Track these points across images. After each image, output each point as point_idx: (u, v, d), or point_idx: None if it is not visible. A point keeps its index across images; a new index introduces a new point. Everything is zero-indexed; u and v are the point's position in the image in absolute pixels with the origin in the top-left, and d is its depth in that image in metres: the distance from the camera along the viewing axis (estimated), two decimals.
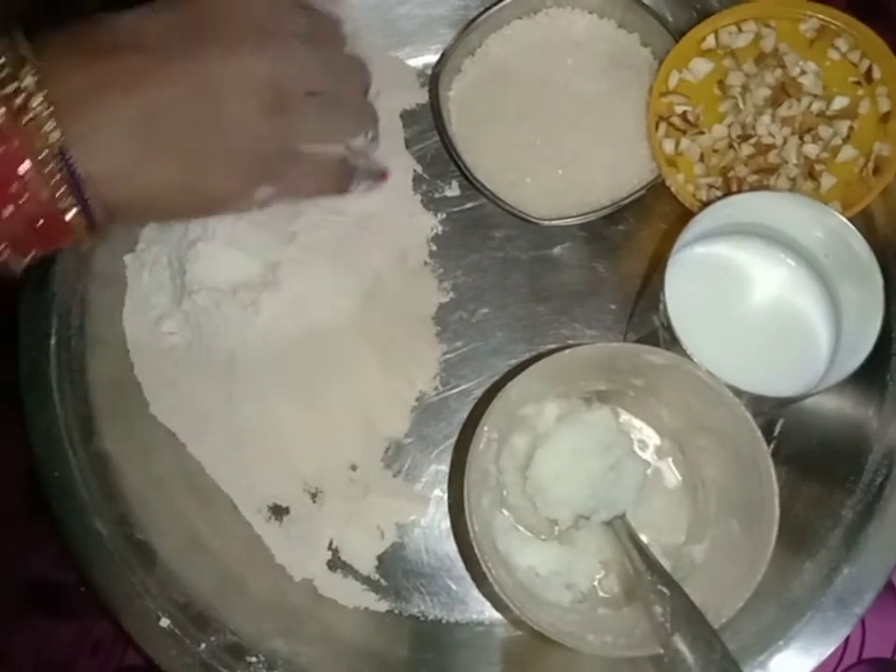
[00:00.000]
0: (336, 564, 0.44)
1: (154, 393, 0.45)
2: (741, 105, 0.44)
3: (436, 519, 0.45)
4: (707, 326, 0.39)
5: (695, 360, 0.37)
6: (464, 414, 0.46)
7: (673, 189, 0.44)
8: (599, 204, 0.46)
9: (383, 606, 0.44)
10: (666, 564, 0.41)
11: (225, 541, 0.44)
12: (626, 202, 0.45)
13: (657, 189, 0.45)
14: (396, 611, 0.44)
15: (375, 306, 0.45)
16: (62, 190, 0.31)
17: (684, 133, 0.44)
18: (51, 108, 0.30)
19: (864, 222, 0.44)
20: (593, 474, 0.41)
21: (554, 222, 0.45)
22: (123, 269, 0.46)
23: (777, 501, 0.35)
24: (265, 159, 0.36)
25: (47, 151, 0.30)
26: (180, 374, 0.45)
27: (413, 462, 0.45)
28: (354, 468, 0.45)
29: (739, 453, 0.37)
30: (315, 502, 0.45)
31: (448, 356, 0.47)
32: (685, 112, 0.44)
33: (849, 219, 0.39)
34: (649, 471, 0.43)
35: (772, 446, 0.44)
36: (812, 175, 0.43)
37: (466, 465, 0.37)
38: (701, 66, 0.45)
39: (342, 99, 0.40)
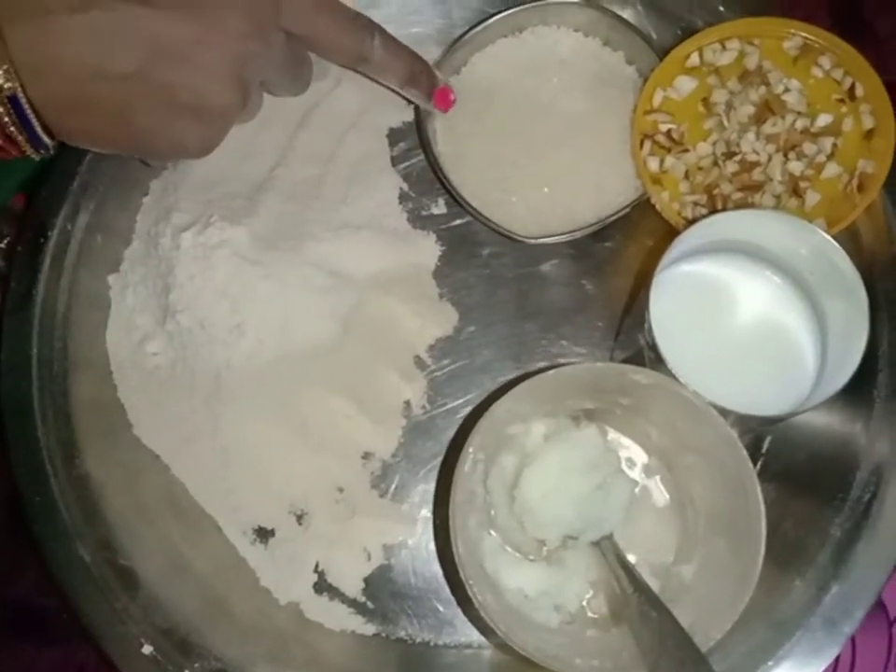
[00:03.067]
0: (322, 586, 0.44)
1: (138, 414, 0.45)
2: (725, 123, 0.44)
3: (423, 540, 0.44)
4: (692, 345, 0.39)
5: (681, 380, 0.36)
6: (451, 433, 0.46)
7: (658, 207, 0.44)
8: (585, 222, 0.45)
9: (370, 629, 0.43)
10: (655, 584, 0.41)
11: (209, 565, 0.43)
12: (612, 219, 0.45)
13: (643, 205, 0.45)
14: (383, 634, 0.43)
15: (360, 326, 0.45)
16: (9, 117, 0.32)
17: (669, 150, 0.44)
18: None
19: (849, 239, 0.44)
20: (580, 494, 0.40)
21: (540, 240, 0.45)
22: (107, 289, 0.46)
23: (763, 523, 0.35)
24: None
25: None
26: (164, 395, 0.44)
27: (400, 482, 0.45)
28: (340, 489, 0.44)
29: (726, 473, 0.37)
30: (300, 524, 0.44)
31: (435, 374, 0.47)
32: (670, 130, 0.44)
33: (834, 236, 0.39)
34: (637, 490, 0.43)
35: (760, 463, 0.44)
36: (797, 191, 0.43)
37: (451, 487, 0.36)
38: (685, 84, 0.45)
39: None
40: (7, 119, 0.32)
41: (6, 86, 0.31)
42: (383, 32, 0.42)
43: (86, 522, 0.42)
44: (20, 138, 0.33)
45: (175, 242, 0.43)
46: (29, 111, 0.32)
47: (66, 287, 0.46)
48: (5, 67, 0.31)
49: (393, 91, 0.46)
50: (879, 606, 0.43)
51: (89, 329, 0.46)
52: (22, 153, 0.35)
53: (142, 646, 0.40)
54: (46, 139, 0.34)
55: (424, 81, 0.44)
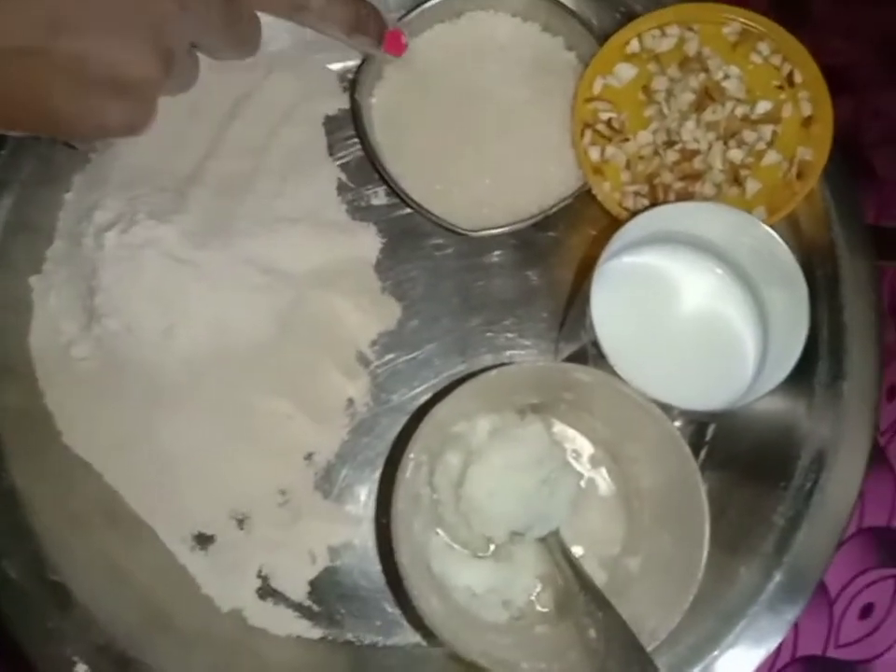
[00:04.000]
0: (266, 592, 0.42)
1: (67, 422, 0.43)
2: (666, 111, 0.43)
3: (369, 540, 0.44)
4: (634, 340, 0.39)
5: (623, 377, 0.36)
6: (396, 430, 0.45)
7: (599, 198, 0.43)
8: (528, 213, 0.45)
9: (316, 633, 0.42)
10: (602, 575, 0.41)
11: (147, 575, 0.42)
12: (554, 210, 0.44)
13: (585, 194, 0.45)
14: (330, 638, 0.42)
15: (297, 323, 0.44)
16: None
17: (610, 140, 0.43)
18: None
19: (789, 226, 0.44)
20: (526, 490, 0.40)
21: (482, 233, 0.44)
22: (29, 291, 0.44)
23: (707, 524, 0.35)
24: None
25: None
26: (94, 401, 0.43)
27: (344, 482, 0.44)
28: (283, 491, 0.43)
29: (670, 469, 0.37)
30: (242, 529, 0.43)
31: (379, 370, 0.46)
32: (610, 119, 0.43)
33: (774, 225, 0.39)
34: (583, 483, 0.43)
35: (704, 451, 0.44)
36: (737, 180, 0.43)
37: (392, 494, 0.36)
38: (625, 71, 0.44)
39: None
40: None
41: None
42: None
43: (13, 537, 0.40)
44: None
45: (98, 242, 0.41)
46: None
47: None
48: None
49: (338, 40, 0.42)
50: (820, 587, 0.44)
51: (11, 334, 0.43)
52: None
53: (75, 665, 0.38)
54: None
55: (371, 25, 0.41)
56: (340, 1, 0.40)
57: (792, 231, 0.44)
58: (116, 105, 0.32)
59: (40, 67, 0.30)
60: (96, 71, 0.31)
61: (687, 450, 0.36)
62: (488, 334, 0.46)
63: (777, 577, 0.41)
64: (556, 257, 0.47)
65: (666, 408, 0.37)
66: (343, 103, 0.48)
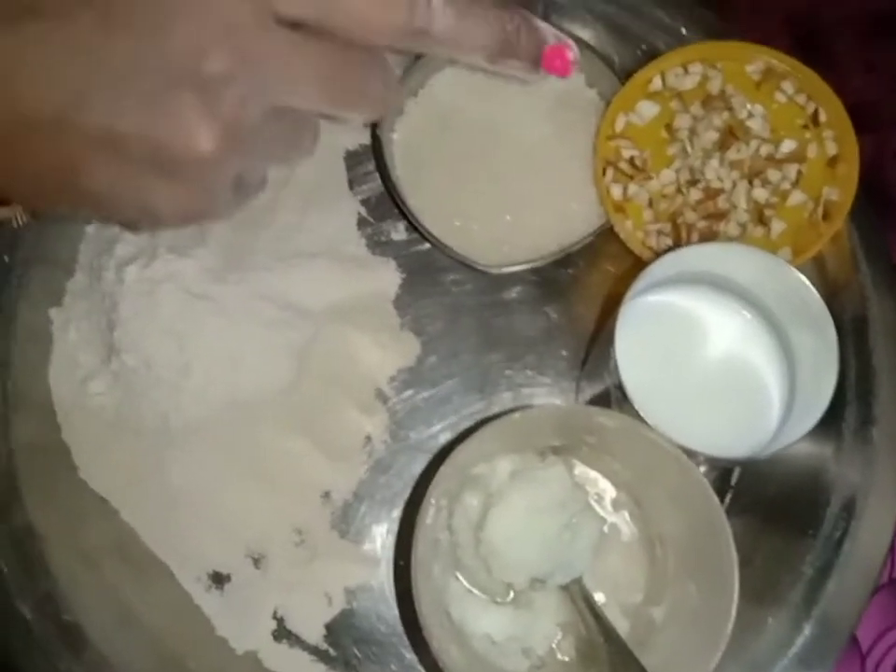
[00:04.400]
0: (282, 634, 0.42)
1: (83, 457, 0.42)
2: (689, 149, 0.43)
3: (387, 582, 0.43)
4: (658, 384, 0.38)
5: (647, 421, 0.35)
6: (415, 468, 0.44)
7: (622, 237, 0.43)
8: (548, 250, 0.44)
9: None
10: (625, 623, 0.40)
11: (161, 615, 0.41)
12: (576, 248, 0.44)
13: (606, 230, 0.44)
14: None
15: (317, 360, 0.43)
16: None
17: (632, 178, 0.43)
18: None
19: (815, 267, 0.43)
20: (548, 535, 0.39)
21: (503, 270, 0.44)
22: (49, 324, 0.44)
23: (736, 573, 0.34)
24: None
25: None
26: (111, 437, 0.42)
27: (361, 522, 0.43)
28: (299, 531, 0.43)
29: (695, 515, 0.36)
30: (258, 568, 0.42)
31: (397, 407, 0.45)
32: (632, 157, 0.43)
33: (800, 266, 0.39)
34: (605, 528, 0.42)
35: (729, 496, 0.43)
36: (762, 220, 0.42)
37: (413, 539, 0.35)
38: (648, 109, 0.44)
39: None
40: None
41: None
42: None
43: (26, 576, 0.40)
44: None
45: (119, 276, 0.41)
46: None
47: (6, 320, 0.44)
48: None
49: (476, 68, 0.34)
50: (852, 639, 0.42)
51: (30, 366, 0.43)
52: None
53: None
54: None
55: (523, 43, 0.31)
56: (476, 15, 0.29)
57: (819, 272, 0.43)
58: (163, 187, 0.27)
59: (72, 143, 0.26)
60: (135, 148, 0.26)
61: (713, 496, 0.35)
62: (507, 371, 0.46)
63: (807, 629, 0.40)
64: (577, 294, 0.47)
65: (691, 454, 0.36)
66: (364, 138, 0.48)
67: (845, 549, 0.41)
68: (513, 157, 0.45)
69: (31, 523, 0.41)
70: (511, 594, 0.40)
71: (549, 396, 0.45)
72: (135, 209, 0.28)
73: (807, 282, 0.37)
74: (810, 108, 0.43)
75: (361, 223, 0.47)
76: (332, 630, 0.42)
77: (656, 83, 0.44)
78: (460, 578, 0.40)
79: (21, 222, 0.31)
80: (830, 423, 0.41)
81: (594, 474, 0.43)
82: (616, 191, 0.43)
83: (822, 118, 0.43)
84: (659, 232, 0.43)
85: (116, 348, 0.41)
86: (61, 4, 0.25)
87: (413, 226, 0.45)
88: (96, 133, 0.25)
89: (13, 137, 0.26)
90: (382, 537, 0.43)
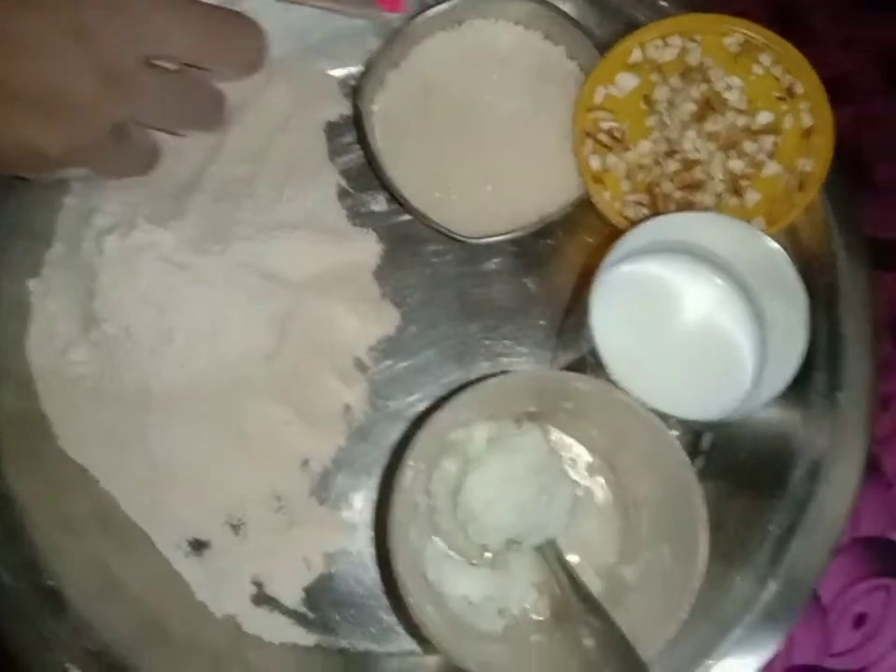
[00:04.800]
0: (261, 598, 0.42)
1: (63, 426, 0.43)
2: (667, 121, 0.43)
3: (365, 547, 0.43)
4: (632, 350, 0.39)
5: (621, 385, 0.36)
6: (393, 437, 0.45)
7: (599, 207, 0.43)
8: (527, 221, 0.45)
9: (310, 640, 0.42)
10: (599, 584, 0.41)
11: (142, 581, 0.42)
12: (554, 218, 0.44)
13: (584, 202, 0.45)
14: (324, 645, 0.42)
15: (297, 329, 0.44)
16: None
17: (610, 149, 0.43)
18: None
19: (789, 237, 0.44)
20: (523, 499, 0.40)
21: (482, 240, 0.44)
22: (27, 294, 0.44)
23: (705, 535, 0.35)
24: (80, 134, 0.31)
25: None
26: (91, 406, 0.42)
27: (340, 489, 0.44)
28: (278, 497, 0.43)
29: (668, 478, 0.37)
30: (237, 535, 0.43)
31: (376, 376, 0.46)
32: (611, 128, 0.43)
33: (774, 235, 0.39)
34: (580, 492, 0.42)
35: (701, 461, 0.44)
36: (737, 190, 0.43)
37: (390, 502, 0.35)
38: (627, 81, 0.44)
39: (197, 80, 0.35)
40: None
41: None
42: None
43: (8, 542, 0.40)
44: None
45: (98, 246, 0.41)
46: None
47: None
48: None
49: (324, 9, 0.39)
50: (814, 596, 0.44)
51: (9, 336, 0.43)
52: None
53: (69, 670, 0.38)
54: None
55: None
56: None
57: (792, 241, 0.44)
58: (46, 124, 0.31)
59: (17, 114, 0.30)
60: (23, 90, 0.30)
61: (685, 459, 0.36)
62: (486, 341, 0.46)
63: (772, 586, 0.41)
64: (554, 264, 0.47)
65: (664, 417, 0.37)
66: (344, 109, 0.48)
67: (810, 510, 0.42)
68: (493, 128, 0.45)
69: (11, 490, 0.41)
70: (488, 556, 0.41)
71: (526, 364, 0.46)
72: (20, 148, 0.31)
73: (781, 250, 0.38)
74: (787, 81, 0.44)
75: (342, 194, 0.47)
76: (311, 594, 0.43)
77: (636, 55, 0.45)
78: (437, 541, 0.41)
79: None
80: (799, 389, 0.42)
81: (569, 440, 0.44)
82: (595, 162, 0.44)
83: (798, 90, 0.44)
84: (636, 203, 0.43)
85: (95, 318, 0.41)
86: None
87: (394, 197, 0.45)
88: None
89: None
90: (360, 503, 0.44)
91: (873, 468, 0.45)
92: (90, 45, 0.29)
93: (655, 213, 0.43)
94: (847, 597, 0.45)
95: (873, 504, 0.46)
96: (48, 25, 0.29)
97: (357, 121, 0.46)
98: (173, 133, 0.39)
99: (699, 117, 0.43)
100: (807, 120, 0.43)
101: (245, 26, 0.35)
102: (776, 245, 0.38)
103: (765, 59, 0.44)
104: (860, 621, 0.46)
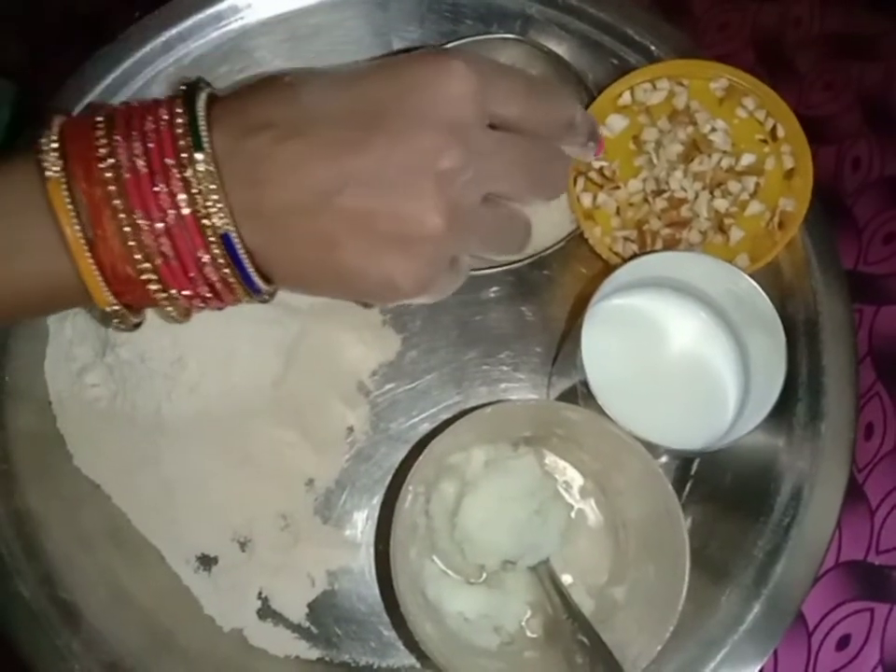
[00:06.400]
0: (266, 613, 0.44)
1: (78, 445, 0.45)
2: (655, 161, 0.46)
3: (366, 565, 0.45)
4: (621, 380, 0.41)
5: (610, 415, 0.38)
6: (394, 458, 0.47)
7: (591, 242, 0.45)
8: (525, 253, 0.47)
9: (314, 654, 0.44)
10: (590, 603, 0.43)
11: (153, 595, 0.43)
12: (550, 251, 0.47)
13: (578, 236, 0.47)
14: (327, 659, 0.44)
15: (303, 355, 0.46)
16: (227, 270, 0.31)
17: (601, 187, 0.46)
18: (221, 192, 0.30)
19: (771, 273, 0.46)
20: (518, 521, 0.42)
21: (481, 271, 0.46)
22: (45, 320, 0.46)
23: (687, 557, 0.37)
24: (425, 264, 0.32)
25: (215, 237, 0.30)
26: (105, 427, 0.44)
27: (343, 508, 0.46)
28: (283, 516, 0.45)
29: (653, 504, 0.39)
30: (244, 551, 0.45)
31: (378, 399, 0.47)
32: (602, 167, 0.46)
33: (757, 271, 0.41)
34: (573, 514, 0.44)
35: (689, 485, 0.46)
36: (722, 228, 0.45)
37: (392, 523, 0.37)
38: (617, 122, 0.47)
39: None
40: (222, 260, 0.30)
41: (221, 225, 0.30)
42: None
43: (25, 557, 0.42)
44: (232, 281, 0.31)
45: None
46: (241, 251, 0.31)
47: None
48: (220, 206, 0.30)
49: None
50: (799, 618, 0.45)
51: (27, 359, 0.45)
52: (236, 301, 0.33)
53: None
54: (259, 282, 0.32)
55: (586, 126, 0.38)
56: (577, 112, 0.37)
57: (774, 277, 0.46)
58: (402, 260, 0.32)
59: (331, 221, 0.31)
60: (383, 224, 0.31)
61: (669, 487, 0.38)
62: (484, 367, 0.48)
63: (757, 607, 0.42)
64: (550, 294, 0.49)
65: (652, 446, 0.39)
66: None
67: (793, 534, 0.43)
68: None
69: (30, 508, 0.43)
70: (484, 575, 0.43)
71: (523, 390, 0.48)
72: (378, 282, 0.32)
73: (759, 288, 0.40)
74: (769, 124, 0.46)
75: None
76: (314, 609, 0.44)
77: (626, 98, 0.47)
78: (436, 560, 0.43)
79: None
80: (781, 417, 0.45)
81: (563, 464, 0.46)
82: (586, 200, 0.46)
83: (780, 133, 0.46)
84: (625, 239, 0.46)
85: (111, 342, 0.43)
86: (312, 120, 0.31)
87: None
88: (353, 212, 0.31)
89: (276, 223, 0.31)
90: (362, 522, 0.46)
91: (856, 493, 0.47)
92: (447, 187, 0.31)
93: (643, 248, 0.45)
94: (831, 619, 0.47)
95: (856, 529, 0.48)
96: (414, 166, 0.31)
97: None
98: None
99: (686, 157, 0.46)
100: (788, 162, 0.46)
101: (559, 158, 0.37)
102: (754, 283, 0.40)
103: (749, 103, 0.47)
104: (843, 642, 0.47)
